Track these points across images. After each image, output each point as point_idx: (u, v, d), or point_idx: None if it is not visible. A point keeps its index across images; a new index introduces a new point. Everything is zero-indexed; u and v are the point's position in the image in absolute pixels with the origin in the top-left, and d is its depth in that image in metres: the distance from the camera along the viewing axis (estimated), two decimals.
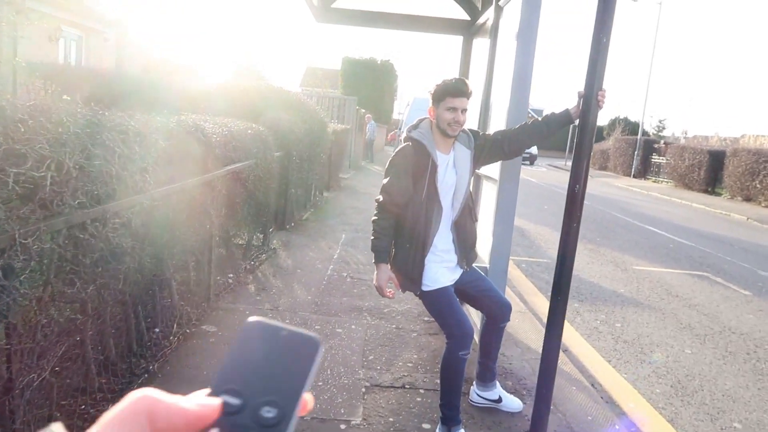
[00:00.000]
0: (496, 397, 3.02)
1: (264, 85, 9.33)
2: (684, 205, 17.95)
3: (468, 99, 2.60)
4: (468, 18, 4.86)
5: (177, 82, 7.05)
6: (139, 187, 2.66)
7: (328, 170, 10.88)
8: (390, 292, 2.69)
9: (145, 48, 16.84)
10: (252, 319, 0.40)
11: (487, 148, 2.76)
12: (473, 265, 2.86)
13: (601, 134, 37.39)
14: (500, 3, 3.67)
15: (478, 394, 3.03)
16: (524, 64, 2.96)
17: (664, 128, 43.85)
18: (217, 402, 0.36)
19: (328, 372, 3.28)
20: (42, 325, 2.18)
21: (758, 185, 19.11)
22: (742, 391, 3.93)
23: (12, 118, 1.93)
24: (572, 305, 5.24)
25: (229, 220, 4.46)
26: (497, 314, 2.82)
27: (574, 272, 2.63)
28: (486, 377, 3.00)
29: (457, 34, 5.06)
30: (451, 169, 2.65)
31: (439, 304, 2.65)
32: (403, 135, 2.77)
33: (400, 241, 2.67)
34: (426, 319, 4.28)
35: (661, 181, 26.54)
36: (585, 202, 2.49)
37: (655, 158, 28.64)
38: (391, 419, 2.88)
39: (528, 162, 31.44)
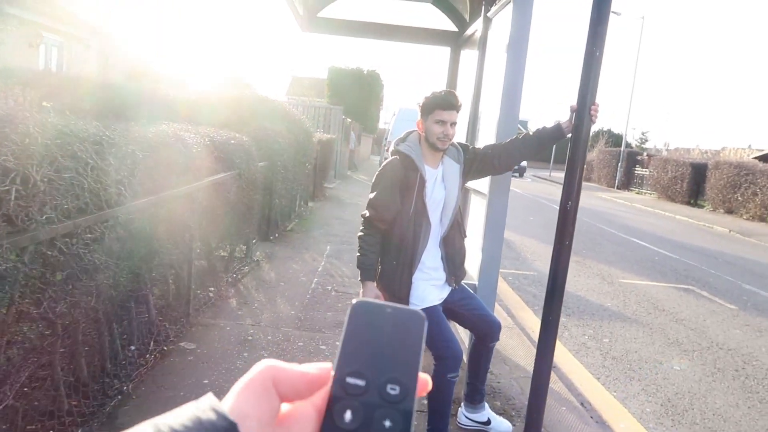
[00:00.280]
0: (485, 419, 2.92)
1: (249, 95, 9.22)
2: (668, 217, 18.09)
3: (458, 112, 2.53)
4: (456, 29, 4.82)
5: (160, 90, 6.92)
6: (113, 201, 2.54)
7: (314, 180, 10.77)
8: None
9: (128, 56, 16.63)
10: (357, 300, 0.41)
11: (476, 162, 2.68)
12: (462, 282, 2.77)
13: None
14: (489, 15, 3.62)
15: (466, 416, 2.94)
16: (514, 77, 2.90)
17: (646, 140, 44.47)
18: (328, 365, 0.39)
19: None
20: (5, 348, 2.04)
21: (740, 198, 19.36)
22: (733, 410, 3.87)
23: None
24: (560, 319, 5.18)
25: (210, 232, 4.33)
26: (486, 333, 2.73)
27: None
28: (475, 398, 2.91)
29: (445, 45, 5.00)
30: (439, 184, 2.57)
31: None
32: (391, 148, 2.68)
33: (386, 258, 2.58)
34: None
35: (645, 193, 26.80)
36: None
37: (639, 170, 28.95)
38: None
39: (517, 174, 31.01)
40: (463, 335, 3.53)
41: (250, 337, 3.84)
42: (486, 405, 2.96)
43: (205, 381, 3.13)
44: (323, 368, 0.38)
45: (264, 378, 0.37)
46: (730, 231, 15.36)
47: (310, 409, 0.37)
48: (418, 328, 0.40)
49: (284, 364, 0.38)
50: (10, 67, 8.01)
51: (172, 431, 0.33)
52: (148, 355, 3.29)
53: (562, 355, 4.44)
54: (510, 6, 2.99)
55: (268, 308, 4.50)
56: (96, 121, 2.75)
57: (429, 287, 2.59)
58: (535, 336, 4.75)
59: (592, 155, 33.91)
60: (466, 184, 2.88)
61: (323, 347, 3.83)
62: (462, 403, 2.99)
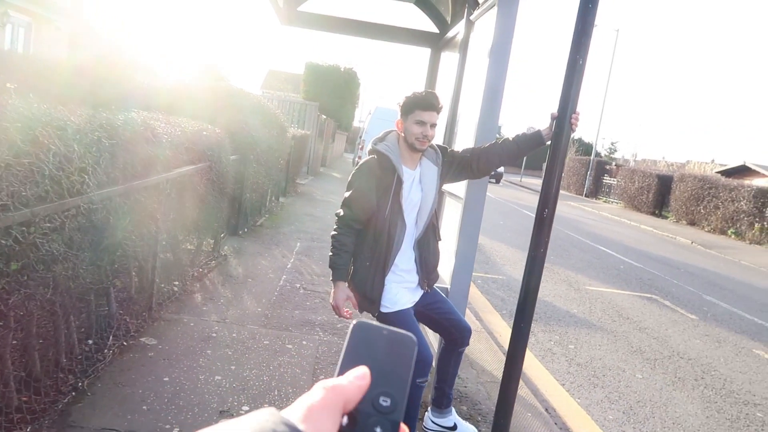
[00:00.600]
0: (451, 425, 2.90)
1: (224, 86, 9.03)
2: (633, 226, 18.48)
3: (438, 113, 2.49)
4: (437, 31, 4.79)
5: (132, 76, 6.70)
6: (76, 189, 2.42)
7: (286, 176, 10.63)
8: (347, 312, 2.53)
9: (100, 40, 16.16)
10: (358, 321, 0.45)
11: (455, 165, 2.65)
12: (434, 286, 2.74)
13: None
14: (472, 18, 3.60)
15: (432, 421, 2.91)
16: (496, 81, 2.88)
17: (615, 150, 45.41)
18: (364, 369, 0.42)
19: (275, 392, 3.09)
20: None
21: (702, 210, 19.91)
22: (692, 419, 3.94)
23: None
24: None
25: (177, 224, 4.21)
26: (457, 338, 2.71)
27: None
28: (442, 403, 2.88)
29: (426, 46, 4.98)
30: (416, 186, 2.53)
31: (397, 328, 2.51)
32: (368, 147, 2.63)
33: (360, 259, 2.53)
34: None
35: (612, 202, 27.34)
36: None
37: (607, 179, 29.51)
38: None
39: (494, 180, 31.08)
40: (432, 339, 3.50)
41: (214, 334, 3.74)
42: (453, 410, 2.94)
43: (166, 378, 3.03)
44: (364, 375, 0.42)
45: (336, 399, 0.39)
46: (692, 242, 15.77)
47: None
48: (409, 350, 0.45)
49: (339, 381, 0.41)
50: None
51: None
52: (106, 350, 3.17)
53: (528, 360, 4.46)
54: (494, 10, 2.97)
55: (234, 304, 4.40)
56: (62, 105, 2.63)
57: (401, 290, 2.55)
58: (502, 340, 4.77)
59: None
60: (442, 187, 2.85)
61: (290, 346, 3.76)
62: (429, 408, 2.96)
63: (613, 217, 20.60)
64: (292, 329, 4.08)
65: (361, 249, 2.52)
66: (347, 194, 2.51)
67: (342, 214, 2.50)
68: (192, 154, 4.31)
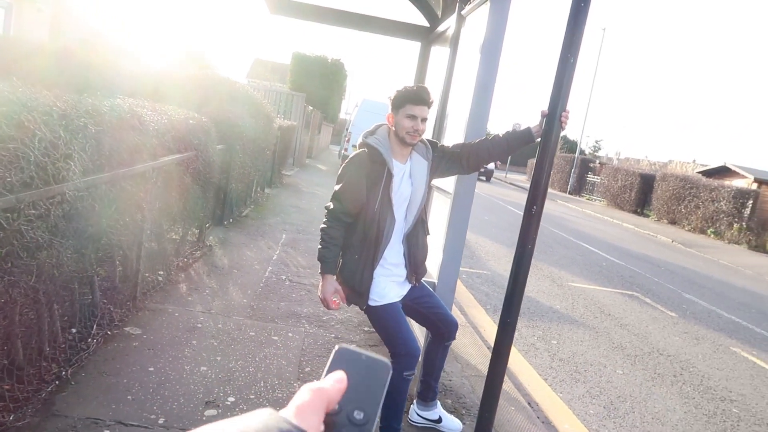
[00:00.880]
0: (437, 417, 2.92)
1: (210, 74, 8.93)
2: (615, 224, 18.70)
3: (429, 108, 2.49)
4: (428, 25, 4.78)
5: (116, 62, 6.60)
6: (61, 176, 2.39)
7: (272, 166, 10.57)
8: (335, 302, 2.53)
9: (83, 22, 15.86)
10: (339, 346, 0.51)
11: (445, 160, 2.66)
12: (422, 280, 2.75)
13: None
14: (463, 13, 3.60)
15: (418, 414, 2.93)
16: (487, 77, 2.89)
17: (599, 149, 45.81)
18: (341, 373, 0.49)
19: (261, 384, 3.08)
20: None
21: (683, 210, 20.21)
22: (670, 414, 4.02)
23: None
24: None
25: (163, 213, 4.17)
26: (443, 332, 2.72)
27: None
28: (427, 396, 2.91)
29: (416, 40, 4.97)
30: (406, 180, 2.53)
31: (385, 321, 2.52)
32: (355, 140, 2.62)
33: (348, 252, 2.53)
34: (366, 329, 4.15)
35: (595, 200, 27.62)
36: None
37: (591, 177, 29.79)
38: None
39: (484, 178, 29.90)
40: (418, 333, 3.52)
41: (199, 325, 3.72)
42: (438, 403, 2.96)
43: (151, 368, 3.01)
44: (342, 378, 0.48)
45: (321, 398, 0.46)
46: (672, 241, 16.01)
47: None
48: (384, 373, 0.50)
49: (323, 383, 0.47)
50: None
51: None
52: (90, 339, 3.14)
53: (512, 355, 4.48)
54: (486, 6, 2.98)
55: (220, 295, 4.38)
56: (47, 90, 2.59)
57: (390, 284, 2.56)
58: (487, 334, 4.81)
59: None
60: (431, 182, 2.85)
61: (275, 338, 3.75)
62: (414, 401, 2.98)
63: (595, 215, 20.83)
64: (278, 321, 4.07)
65: (350, 242, 2.52)
66: (337, 187, 2.50)
67: (332, 207, 2.50)
68: (178, 142, 4.27)
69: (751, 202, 18.55)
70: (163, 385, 2.87)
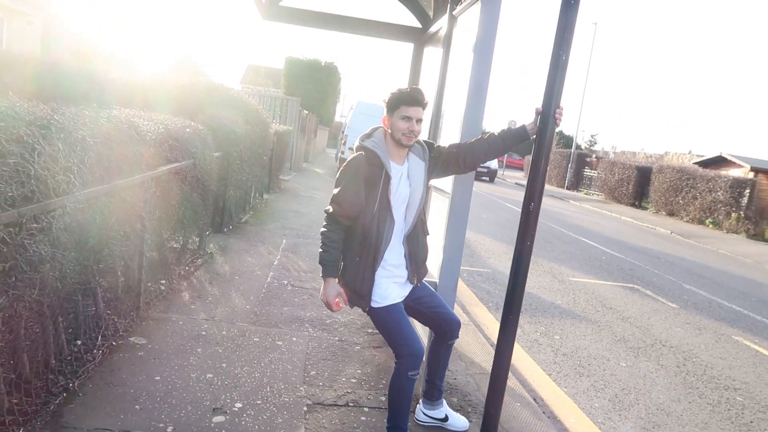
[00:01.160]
0: (443, 416, 2.94)
1: (204, 81, 8.95)
2: (614, 217, 18.74)
3: (423, 109, 2.52)
4: (420, 26, 4.81)
5: (110, 72, 6.61)
6: (61, 189, 2.40)
7: (269, 172, 10.58)
8: (337, 303, 2.55)
9: (75, 34, 15.87)
10: None
11: (441, 160, 2.68)
12: (423, 280, 2.77)
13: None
14: (454, 13, 3.62)
15: (424, 413, 2.94)
16: (480, 77, 2.91)
17: (595, 143, 45.91)
18: None
19: (267, 389, 3.10)
20: None
21: (681, 201, 20.25)
22: (675, 405, 4.04)
23: None
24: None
25: (163, 222, 4.18)
26: (446, 331, 2.74)
27: None
28: (433, 395, 2.92)
29: (408, 41, 4.99)
30: (404, 181, 2.55)
31: (388, 322, 2.54)
32: (351, 143, 2.64)
33: (349, 254, 2.55)
34: (370, 330, 4.17)
35: (592, 194, 27.66)
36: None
37: (587, 171, 29.84)
38: None
39: (488, 179, 28.17)
40: (421, 333, 3.54)
41: (204, 332, 3.73)
42: (444, 401, 2.98)
43: (157, 377, 3.02)
44: None
45: None
46: (671, 233, 16.05)
47: None
48: None
49: None
50: None
51: None
52: (95, 351, 3.15)
53: (515, 351, 4.50)
54: (477, 6, 3.00)
55: (223, 302, 4.40)
56: (43, 103, 2.60)
57: (391, 285, 2.58)
58: (490, 332, 4.83)
59: None
60: (428, 182, 2.87)
61: (280, 343, 3.77)
62: (420, 400, 2.99)
63: (594, 209, 20.86)
64: (282, 326, 4.09)
65: (350, 245, 2.54)
66: (336, 191, 2.52)
67: (331, 210, 2.52)
68: (176, 151, 4.28)
69: (748, 191, 18.60)
70: (170, 393, 2.88)
